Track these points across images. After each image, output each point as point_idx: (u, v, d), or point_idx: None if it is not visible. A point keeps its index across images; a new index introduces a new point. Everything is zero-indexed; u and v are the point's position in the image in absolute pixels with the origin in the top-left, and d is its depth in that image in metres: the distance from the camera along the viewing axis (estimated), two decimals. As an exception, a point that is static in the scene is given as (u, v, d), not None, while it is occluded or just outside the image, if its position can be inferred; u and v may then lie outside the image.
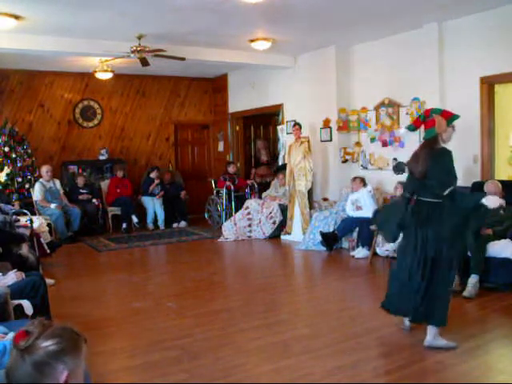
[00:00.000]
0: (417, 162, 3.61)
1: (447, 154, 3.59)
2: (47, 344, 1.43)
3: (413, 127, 3.87)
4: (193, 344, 3.70)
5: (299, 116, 8.37)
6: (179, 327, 4.08)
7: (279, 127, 9.43)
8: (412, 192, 3.64)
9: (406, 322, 3.87)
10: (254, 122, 10.76)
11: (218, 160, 11.16)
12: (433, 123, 3.61)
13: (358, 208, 6.82)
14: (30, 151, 8.46)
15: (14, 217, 5.96)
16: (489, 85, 6.15)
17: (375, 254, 6.49)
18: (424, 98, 6.81)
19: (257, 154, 10.09)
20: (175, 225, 9.50)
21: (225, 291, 5.40)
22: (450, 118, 3.66)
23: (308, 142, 7.75)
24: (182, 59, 7.24)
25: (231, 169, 9.51)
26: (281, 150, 9.44)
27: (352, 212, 6.90)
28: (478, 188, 5.51)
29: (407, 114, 7.09)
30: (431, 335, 3.55)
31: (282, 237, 8.04)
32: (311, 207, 7.80)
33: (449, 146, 6.89)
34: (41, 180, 8.23)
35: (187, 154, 11.26)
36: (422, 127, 3.80)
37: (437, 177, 3.52)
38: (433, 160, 3.53)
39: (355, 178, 7.11)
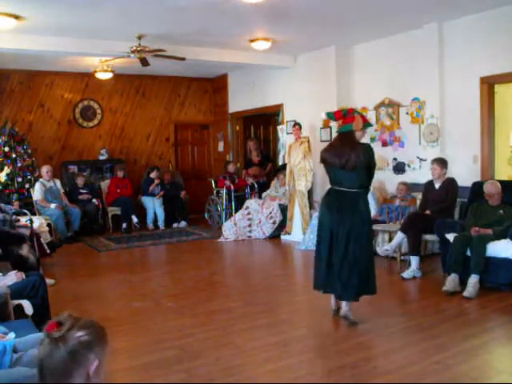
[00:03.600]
0: (341, 155, 3.89)
1: (372, 149, 4.11)
2: (80, 334, 1.52)
3: (333, 117, 4.25)
4: (193, 344, 3.70)
5: (299, 116, 8.37)
6: (179, 327, 4.08)
7: (279, 127, 9.43)
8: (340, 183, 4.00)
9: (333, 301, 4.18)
10: (254, 121, 10.75)
11: (217, 160, 11.16)
12: (352, 120, 4.00)
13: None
14: (30, 151, 8.46)
15: (14, 217, 5.96)
16: (489, 85, 6.15)
17: (375, 254, 6.49)
18: (424, 98, 6.81)
19: (248, 155, 10.07)
20: (175, 225, 9.49)
21: (225, 291, 5.39)
22: (366, 123, 4.16)
23: (308, 142, 7.75)
24: (182, 59, 7.24)
25: (231, 167, 9.52)
26: (281, 150, 9.44)
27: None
28: (478, 188, 5.51)
29: (407, 113, 7.10)
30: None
31: (282, 237, 8.04)
32: (311, 207, 7.81)
33: (449, 145, 6.87)
34: (41, 180, 8.23)
35: (187, 154, 11.26)
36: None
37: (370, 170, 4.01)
38: (365, 154, 3.92)
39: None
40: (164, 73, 10.16)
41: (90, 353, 1.52)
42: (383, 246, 6.07)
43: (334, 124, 7.93)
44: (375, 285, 4.09)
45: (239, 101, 10.35)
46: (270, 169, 9.87)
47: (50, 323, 1.54)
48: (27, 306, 3.33)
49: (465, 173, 6.21)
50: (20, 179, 8.17)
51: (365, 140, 7.58)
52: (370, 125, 4.41)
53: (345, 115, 4.08)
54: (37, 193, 8.08)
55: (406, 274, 5.46)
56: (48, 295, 3.75)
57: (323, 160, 4.09)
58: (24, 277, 3.67)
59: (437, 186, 5.84)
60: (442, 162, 5.84)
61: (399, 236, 5.62)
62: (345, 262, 3.93)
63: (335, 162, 3.92)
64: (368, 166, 3.96)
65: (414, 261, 5.49)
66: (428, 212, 5.72)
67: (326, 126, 8.13)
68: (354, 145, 3.94)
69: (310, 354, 3.50)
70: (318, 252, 4.15)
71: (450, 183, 5.78)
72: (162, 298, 4.95)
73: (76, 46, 6.99)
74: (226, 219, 8.74)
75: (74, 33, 6.62)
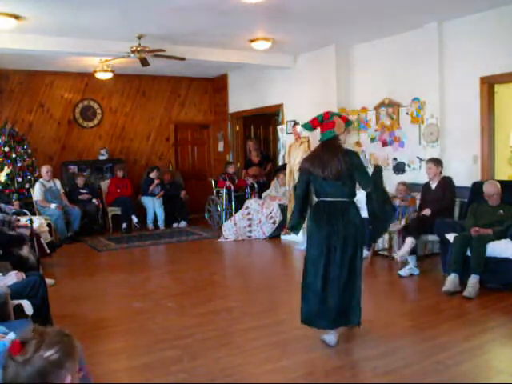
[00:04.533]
0: (324, 163, 3.60)
1: (358, 154, 3.81)
2: (49, 354, 1.42)
3: (310, 127, 3.94)
4: (193, 344, 3.70)
5: (299, 116, 8.37)
6: (179, 327, 4.08)
7: (279, 127, 9.43)
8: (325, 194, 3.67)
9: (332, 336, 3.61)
10: (254, 121, 10.75)
11: (217, 160, 11.16)
12: (333, 125, 3.71)
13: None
14: (30, 151, 8.46)
15: (14, 217, 5.95)
16: (489, 85, 6.14)
17: (375, 253, 6.50)
18: (424, 98, 6.81)
19: (248, 155, 10.07)
20: (175, 225, 9.49)
21: (225, 291, 5.40)
22: (347, 122, 3.84)
23: (308, 142, 7.73)
24: (182, 59, 7.24)
25: (230, 169, 9.52)
26: (281, 150, 9.44)
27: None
28: (478, 188, 5.51)
29: (407, 113, 7.10)
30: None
31: (282, 237, 8.04)
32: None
33: (449, 145, 6.85)
34: (41, 180, 8.23)
35: (187, 154, 11.26)
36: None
37: (361, 176, 3.64)
38: (350, 161, 3.60)
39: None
40: (164, 73, 10.16)
41: (61, 370, 1.43)
42: (397, 253, 5.75)
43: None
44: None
45: (239, 101, 10.35)
46: (269, 169, 9.87)
47: (14, 345, 1.42)
48: (27, 306, 3.33)
49: (465, 173, 6.22)
50: (20, 179, 8.17)
51: (364, 141, 7.70)
52: (351, 122, 4.11)
53: (322, 122, 3.79)
54: (37, 193, 8.08)
55: (403, 271, 5.52)
56: (48, 295, 3.75)
57: (304, 170, 3.76)
58: (24, 277, 3.67)
59: (433, 186, 5.86)
60: (436, 162, 5.89)
61: (409, 241, 5.46)
62: (348, 282, 3.56)
63: (318, 174, 3.62)
64: (353, 172, 3.62)
65: (411, 259, 5.55)
66: (428, 211, 5.68)
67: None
68: (337, 152, 3.63)
69: (309, 354, 3.50)
70: (312, 276, 3.63)
71: (446, 182, 5.80)
72: (162, 298, 4.95)
73: (76, 46, 6.99)
74: (226, 219, 8.74)
75: (74, 33, 6.62)
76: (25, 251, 4.84)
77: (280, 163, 9.35)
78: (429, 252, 6.26)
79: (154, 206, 9.32)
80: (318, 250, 3.62)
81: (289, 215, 7.96)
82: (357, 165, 3.65)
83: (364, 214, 3.84)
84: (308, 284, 3.67)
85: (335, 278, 3.57)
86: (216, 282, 5.74)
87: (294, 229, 4.04)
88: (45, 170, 8.29)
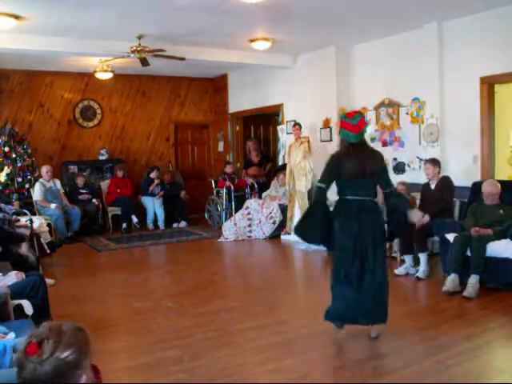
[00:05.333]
0: (363, 161, 3.57)
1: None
2: (66, 355, 1.41)
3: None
4: (193, 344, 3.70)
5: (299, 116, 8.37)
6: (179, 327, 4.08)
7: (279, 127, 9.43)
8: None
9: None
10: (254, 121, 10.76)
11: (217, 160, 11.16)
12: (363, 122, 3.66)
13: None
14: (30, 151, 8.46)
15: (14, 217, 5.96)
16: (489, 85, 6.15)
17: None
18: (424, 98, 6.82)
19: (247, 155, 10.07)
20: (175, 225, 9.49)
21: (225, 291, 5.40)
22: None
23: (308, 142, 7.75)
24: (182, 59, 7.24)
25: (228, 168, 9.52)
26: (281, 150, 9.44)
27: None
28: (478, 188, 5.51)
29: (407, 113, 7.10)
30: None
31: (282, 237, 8.04)
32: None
33: (449, 145, 6.85)
34: (41, 180, 8.23)
35: (187, 154, 11.26)
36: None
37: (385, 177, 3.72)
38: (380, 161, 3.70)
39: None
40: (164, 73, 10.16)
41: (77, 371, 1.43)
42: (418, 270, 5.57)
43: (333, 125, 7.95)
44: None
45: (239, 101, 10.35)
46: (269, 169, 9.87)
47: (30, 345, 1.41)
48: (27, 306, 3.33)
49: (465, 173, 6.22)
50: (20, 179, 8.17)
51: (367, 140, 7.69)
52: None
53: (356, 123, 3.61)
54: (37, 193, 8.08)
55: (399, 270, 5.54)
56: (48, 295, 3.76)
57: (335, 168, 3.64)
58: (24, 277, 3.67)
59: (432, 186, 5.85)
60: (434, 162, 5.86)
61: (425, 257, 5.44)
62: (381, 280, 3.61)
63: (356, 172, 3.55)
64: (381, 173, 3.67)
65: (408, 259, 5.58)
66: (426, 217, 5.48)
67: (326, 126, 8.13)
68: (370, 151, 3.71)
69: (309, 354, 3.50)
70: (343, 274, 3.63)
71: (445, 181, 5.78)
72: (162, 298, 4.95)
73: (76, 46, 7.00)
74: (226, 219, 8.74)
75: (74, 33, 6.62)
76: (23, 249, 4.84)
77: (280, 163, 9.35)
78: (429, 252, 6.26)
79: (154, 205, 9.32)
80: (350, 250, 3.59)
81: (289, 215, 7.97)
82: (385, 166, 3.76)
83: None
84: (341, 283, 3.64)
85: (369, 276, 3.57)
86: (216, 282, 5.74)
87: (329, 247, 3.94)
88: (45, 170, 8.29)
